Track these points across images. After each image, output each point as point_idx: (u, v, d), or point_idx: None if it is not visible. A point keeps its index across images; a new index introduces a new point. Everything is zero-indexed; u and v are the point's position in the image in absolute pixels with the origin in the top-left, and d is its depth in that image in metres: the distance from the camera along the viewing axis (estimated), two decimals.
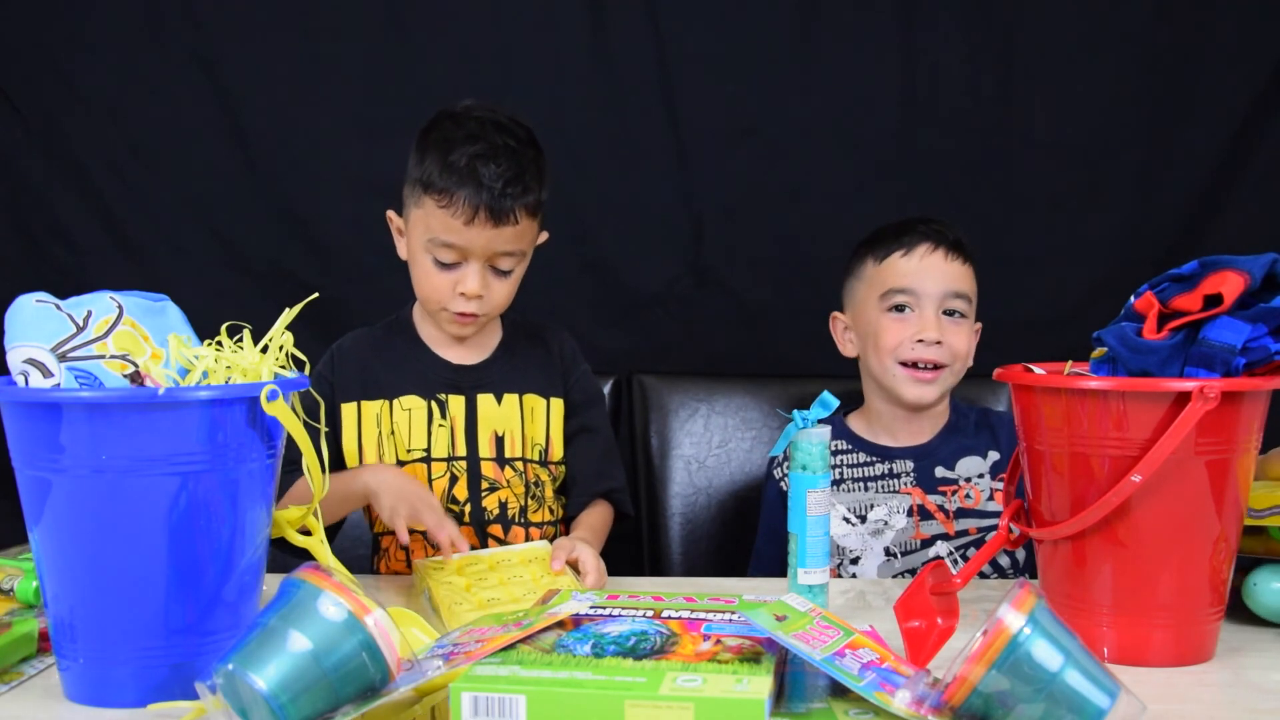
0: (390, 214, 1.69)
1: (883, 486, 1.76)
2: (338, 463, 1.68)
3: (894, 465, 1.77)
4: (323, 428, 1.17)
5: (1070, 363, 1.33)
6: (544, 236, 1.69)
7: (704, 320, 2.33)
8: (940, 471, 1.77)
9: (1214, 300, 1.18)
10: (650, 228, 2.31)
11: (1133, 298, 1.25)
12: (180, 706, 1.05)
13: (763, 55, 2.28)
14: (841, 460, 1.78)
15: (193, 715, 1.03)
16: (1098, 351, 1.27)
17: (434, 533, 1.49)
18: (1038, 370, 1.33)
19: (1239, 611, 1.34)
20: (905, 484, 1.75)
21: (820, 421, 1.31)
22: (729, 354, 2.32)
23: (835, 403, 1.32)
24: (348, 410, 1.68)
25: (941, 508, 1.74)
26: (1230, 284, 1.17)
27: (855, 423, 1.84)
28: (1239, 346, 1.16)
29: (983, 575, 1.72)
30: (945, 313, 1.73)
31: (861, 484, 1.76)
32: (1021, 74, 2.29)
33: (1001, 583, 1.64)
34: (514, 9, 2.27)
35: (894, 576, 1.70)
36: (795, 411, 1.33)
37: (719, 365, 2.29)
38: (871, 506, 1.74)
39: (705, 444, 2.10)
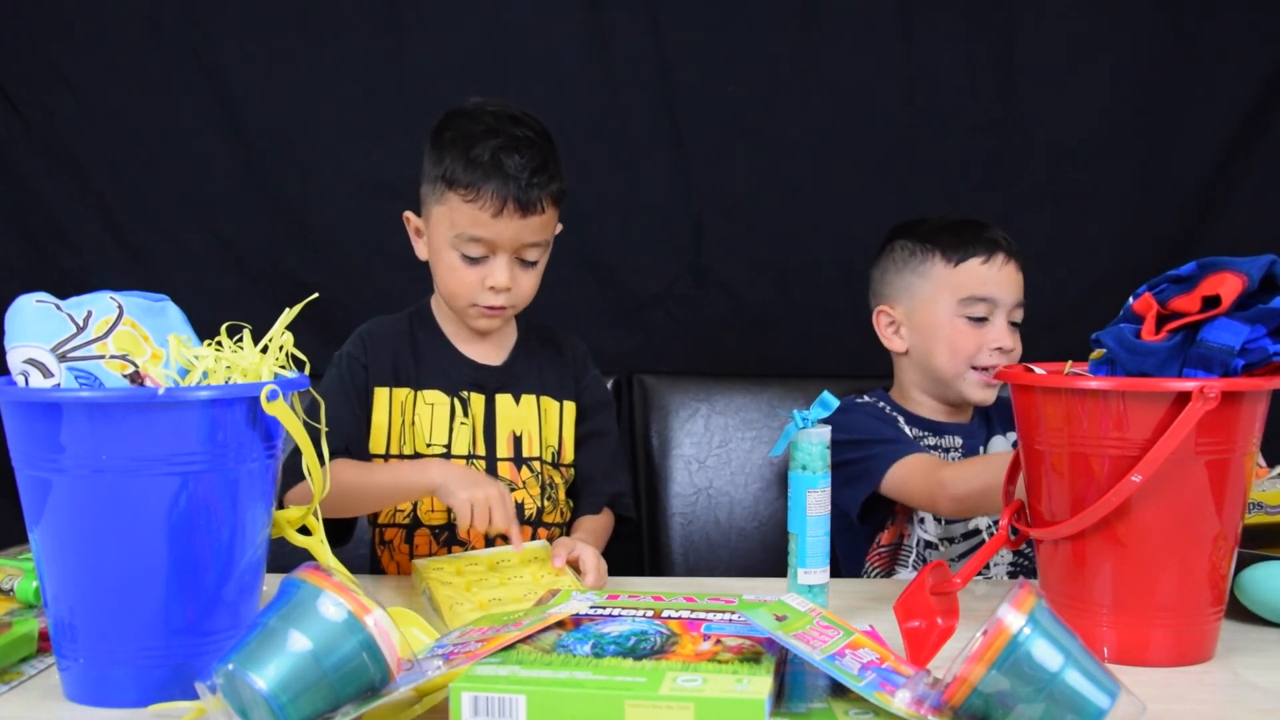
0: (408, 215, 1.69)
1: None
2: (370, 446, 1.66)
3: (943, 440, 1.80)
4: (323, 427, 1.17)
5: (1070, 363, 1.33)
6: (559, 227, 1.69)
7: (704, 320, 2.33)
8: (980, 452, 1.80)
9: (1212, 301, 1.18)
10: (650, 228, 2.31)
11: (1131, 299, 1.25)
12: (180, 706, 1.05)
13: (763, 55, 2.28)
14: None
15: (193, 715, 1.03)
16: (1096, 353, 1.27)
17: (505, 526, 1.46)
18: (1038, 370, 1.33)
19: (1239, 611, 1.34)
20: (953, 458, 1.78)
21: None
22: (729, 354, 2.32)
23: (835, 402, 1.32)
24: (380, 394, 1.67)
25: None
26: (1228, 285, 1.17)
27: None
28: (1237, 348, 1.16)
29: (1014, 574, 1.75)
30: (1009, 321, 1.76)
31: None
32: (1021, 74, 2.29)
33: (1001, 583, 1.64)
34: (514, 9, 2.27)
35: (940, 539, 1.74)
36: (795, 411, 1.33)
37: (719, 365, 2.29)
38: None
39: (705, 444, 2.10)
